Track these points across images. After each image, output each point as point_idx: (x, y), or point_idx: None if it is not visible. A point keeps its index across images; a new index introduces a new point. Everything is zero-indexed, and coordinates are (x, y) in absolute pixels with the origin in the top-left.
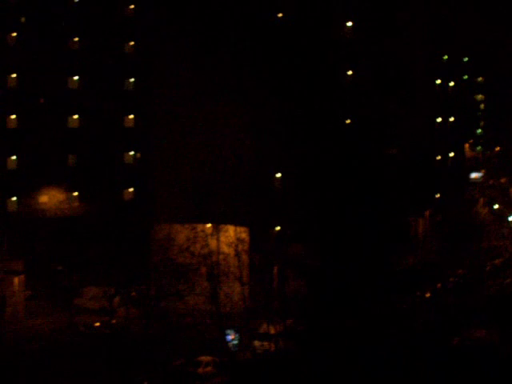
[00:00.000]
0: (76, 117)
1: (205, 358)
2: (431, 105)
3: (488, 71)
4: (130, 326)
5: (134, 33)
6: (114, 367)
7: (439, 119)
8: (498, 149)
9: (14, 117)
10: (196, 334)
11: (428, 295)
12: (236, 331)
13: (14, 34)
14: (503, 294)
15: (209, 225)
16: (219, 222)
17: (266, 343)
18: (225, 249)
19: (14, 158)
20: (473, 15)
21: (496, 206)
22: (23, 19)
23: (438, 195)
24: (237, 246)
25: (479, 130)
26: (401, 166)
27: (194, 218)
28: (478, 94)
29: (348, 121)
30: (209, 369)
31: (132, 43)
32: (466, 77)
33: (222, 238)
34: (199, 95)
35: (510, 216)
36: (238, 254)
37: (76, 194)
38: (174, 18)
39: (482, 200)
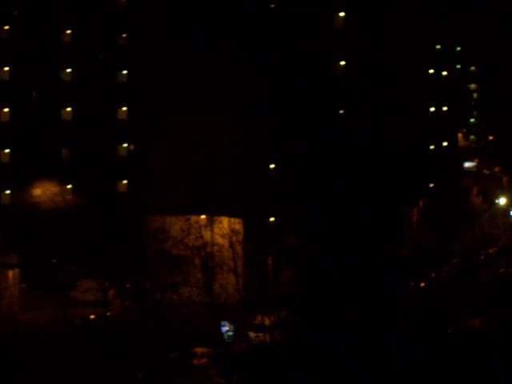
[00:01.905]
0: (69, 109)
1: (200, 350)
2: (424, 94)
3: (481, 60)
4: (125, 318)
5: (127, 24)
6: (109, 359)
7: (432, 109)
8: (491, 138)
9: (6, 110)
10: (191, 326)
11: (422, 285)
12: (231, 322)
13: (7, 27)
14: (497, 283)
15: (203, 216)
16: (213, 213)
17: (260, 334)
18: (219, 240)
19: (7, 151)
20: (465, 4)
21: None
22: (15, 12)
23: (431, 185)
24: (231, 237)
25: (472, 120)
26: (394, 156)
27: (187, 209)
28: (471, 83)
29: (341, 111)
30: (204, 360)
31: (125, 35)
32: (458, 66)
33: (216, 230)
34: (193, 87)
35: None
36: (232, 246)
37: (69, 186)
38: (168, 10)
39: (475, 189)
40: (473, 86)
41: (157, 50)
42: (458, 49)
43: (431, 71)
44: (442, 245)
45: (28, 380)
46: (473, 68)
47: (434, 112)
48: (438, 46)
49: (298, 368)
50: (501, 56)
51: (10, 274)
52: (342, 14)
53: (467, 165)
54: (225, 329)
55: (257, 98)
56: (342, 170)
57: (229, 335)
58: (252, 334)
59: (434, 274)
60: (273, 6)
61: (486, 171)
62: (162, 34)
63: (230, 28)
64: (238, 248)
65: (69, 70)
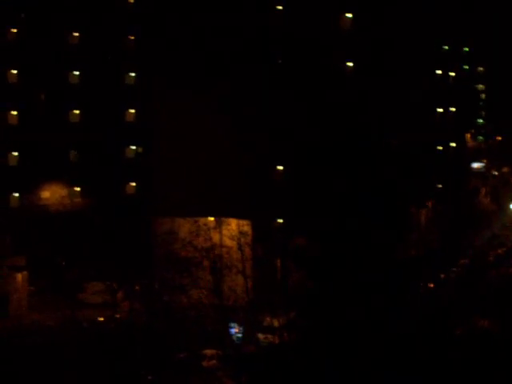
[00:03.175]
0: (77, 112)
1: (209, 351)
2: (432, 95)
3: (489, 61)
4: (134, 320)
5: (135, 26)
6: (117, 361)
7: (440, 109)
8: (499, 138)
9: (14, 113)
10: (200, 328)
11: (431, 286)
12: (240, 324)
13: (14, 30)
14: (507, 284)
15: (211, 218)
16: (221, 215)
17: (269, 336)
18: (227, 242)
19: (15, 154)
20: (473, 4)
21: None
22: (23, 15)
23: (440, 186)
24: (239, 239)
25: (480, 120)
26: (402, 157)
27: (196, 211)
28: (479, 83)
29: (348, 112)
30: (213, 362)
31: (132, 37)
32: (466, 67)
33: (225, 232)
34: (201, 89)
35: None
36: (240, 247)
37: (78, 189)
38: (175, 12)
39: (484, 190)
40: (481, 86)
41: (165, 51)
42: (466, 49)
43: (439, 72)
44: (451, 245)
45: (36, 382)
46: (481, 68)
47: (441, 113)
48: (446, 47)
49: (306, 369)
50: (509, 56)
51: (19, 276)
52: (349, 14)
53: (475, 165)
54: (234, 330)
55: (264, 99)
56: (349, 170)
57: (238, 337)
58: (261, 336)
59: (442, 275)
60: (279, 7)
61: (494, 172)
62: (169, 36)
63: (235, 29)
64: (247, 250)
65: (77, 73)
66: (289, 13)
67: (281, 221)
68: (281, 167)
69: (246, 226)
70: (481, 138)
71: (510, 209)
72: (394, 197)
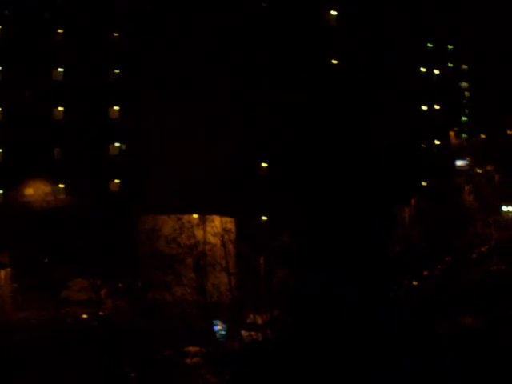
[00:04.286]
0: (61, 108)
1: (192, 349)
2: (416, 93)
3: (472, 59)
4: (118, 318)
5: (120, 23)
6: (101, 359)
7: (424, 107)
8: (483, 136)
9: None
10: (183, 325)
11: (415, 283)
12: (223, 321)
13: None
14: (489, 281)
15: (195, 215)
16: (205, 212)
17: (253, 333)
18: (211, 239)
19: None
20: (457, 3)
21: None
22: (7, 12)
23: (424, 183)
24: (223, 236)
25: (464, 118)
26: (386, 155)
27: (179, 208)
28: (463, 81)
29: (332, 109)
30: (197, 359)
31: (117, 34)
32: (450, 65)
33: (208, 229)
34: (185, 86)
35: (502, 206)
36: (224, 245)
37: (62, 186)
38: (160, 7)
39: (467, 188)
40: (464, 84)
41: (149, 47)
42: (450, 47)
43: (423, 70)
44: (435, 243)
45: (20, 379)
46: (464, 66)
47: (425, 110)
48: (430, 45)
49: (290, 366)
50: (493, 54)
51: (2, 273)
52: (334, 12)
53: (459, 163)
54: (217, 328)
55: (247, 96)
56: (333, 168)
57: (221, 334)
58: (244, 333)
59: (426, 272)
60: (264, 4)
61: (478, 170)
62: (154, 32)
63: (223, 26)
64: (230, 247)
65: (60, 70)
66: (278, 13)
67: (265, 218)
68: (265, 164)
69: (229, 223)
70: (464, 135)
71: (499, 210)
72: (378, 194)
